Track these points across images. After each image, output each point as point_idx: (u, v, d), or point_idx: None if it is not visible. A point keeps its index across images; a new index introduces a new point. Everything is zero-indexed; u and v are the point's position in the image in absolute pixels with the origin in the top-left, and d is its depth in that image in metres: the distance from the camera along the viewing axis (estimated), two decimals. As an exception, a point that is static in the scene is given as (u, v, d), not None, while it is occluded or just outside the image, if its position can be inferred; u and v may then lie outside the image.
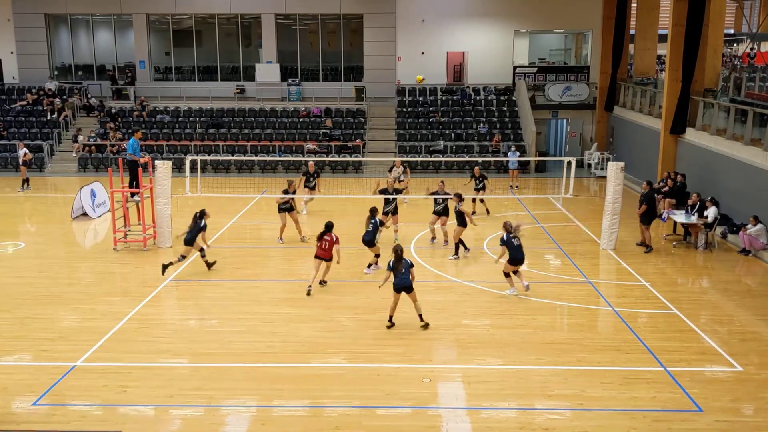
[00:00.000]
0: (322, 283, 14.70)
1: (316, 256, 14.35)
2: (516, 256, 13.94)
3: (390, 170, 18.71)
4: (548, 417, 9.52)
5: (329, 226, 14.36)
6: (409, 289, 12.20)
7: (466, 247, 16.90)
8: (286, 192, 18.16)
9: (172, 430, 9.26)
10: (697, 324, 12.75)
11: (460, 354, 11.51)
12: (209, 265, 15.77)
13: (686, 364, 11.15)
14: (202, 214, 15.47)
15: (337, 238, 14.25)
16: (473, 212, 19.94)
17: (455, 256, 16.66)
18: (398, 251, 12.29)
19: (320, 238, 14.26)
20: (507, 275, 14.23)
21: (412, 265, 12.33)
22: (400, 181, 20.28)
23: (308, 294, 14.11)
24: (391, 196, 17.93)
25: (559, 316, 13.32)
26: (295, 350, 11.62)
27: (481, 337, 12.15)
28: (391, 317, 12.45)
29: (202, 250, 15.59)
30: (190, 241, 15.33)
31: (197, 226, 15.35)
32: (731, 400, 10.01)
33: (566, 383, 10.46)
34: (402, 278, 12.16)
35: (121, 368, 10.93)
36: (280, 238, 18.16)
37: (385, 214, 17.65)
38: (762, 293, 14.68)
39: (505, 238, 14.00)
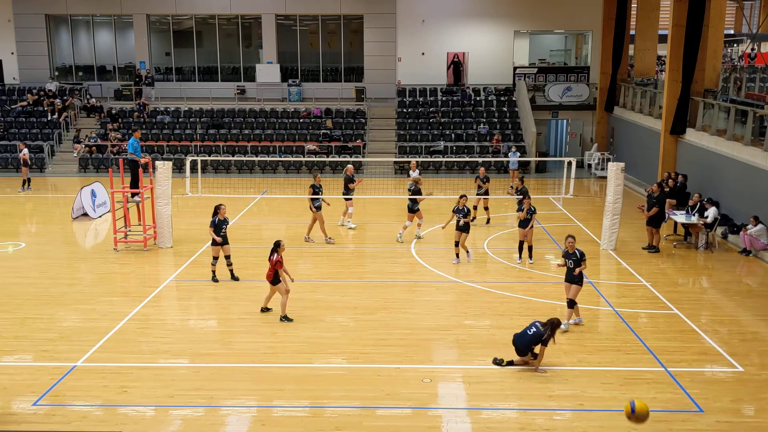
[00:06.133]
0: (264, 310, 13.25)
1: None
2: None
3: (409, 174, 18.75)
4: (549, 417, 9.51)
5: (277, 244, 12.71)
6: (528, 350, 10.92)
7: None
8: (313, 186, 17.88)
9: (173, 430, 9.25)
10: (697, 324, 12.74)
11: (461, 354, 11.50)
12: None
13: (687, 364, 11.15)
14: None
15: (278, 260, 12.54)
16: (473, 218, 19.44)
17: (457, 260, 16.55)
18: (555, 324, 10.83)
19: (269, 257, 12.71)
20: (574, 304, 12.61)
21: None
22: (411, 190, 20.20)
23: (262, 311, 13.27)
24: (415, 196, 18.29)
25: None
26: (295, 350, 11.62)
27: (481, 338, 12.14)
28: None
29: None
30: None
31: None
32: (732, 400, 10.01)
33: (567, 384, 10.46)
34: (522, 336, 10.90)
35: (122, 368, 10.93)
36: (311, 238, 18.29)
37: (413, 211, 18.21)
38: (763, 293, 14.67)
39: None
